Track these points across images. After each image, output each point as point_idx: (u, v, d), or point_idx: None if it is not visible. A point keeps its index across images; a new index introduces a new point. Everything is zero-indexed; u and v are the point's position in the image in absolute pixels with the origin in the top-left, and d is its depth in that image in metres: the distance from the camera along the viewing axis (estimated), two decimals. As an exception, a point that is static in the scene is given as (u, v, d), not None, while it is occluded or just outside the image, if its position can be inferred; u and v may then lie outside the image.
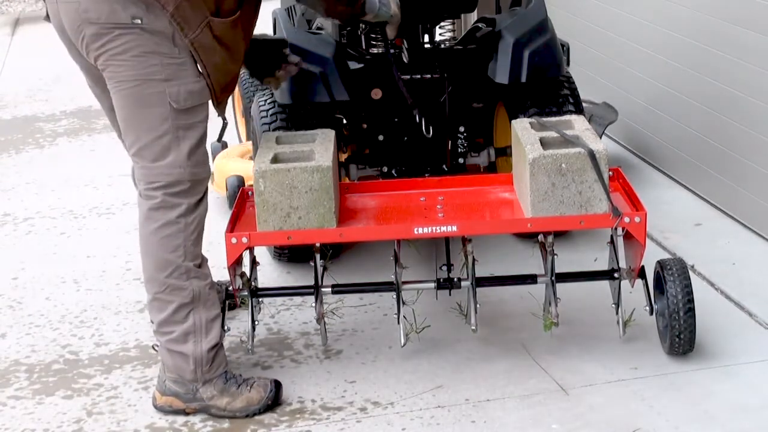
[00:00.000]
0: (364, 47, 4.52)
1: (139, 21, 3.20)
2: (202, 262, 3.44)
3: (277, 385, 3.51)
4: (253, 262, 3.77)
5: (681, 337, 3.54)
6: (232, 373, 3.51)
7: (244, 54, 3.45)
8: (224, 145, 4.94)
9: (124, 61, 3.25)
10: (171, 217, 3.34)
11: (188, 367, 3.43)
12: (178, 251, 3.36)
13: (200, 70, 3.28)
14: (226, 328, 3.63)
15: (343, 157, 4.43)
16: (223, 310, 3.65)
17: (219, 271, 4.12)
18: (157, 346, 3.53)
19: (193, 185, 3.36)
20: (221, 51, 3.30)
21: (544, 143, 3.52)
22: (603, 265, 3.80)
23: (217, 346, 3.45)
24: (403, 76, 4.20)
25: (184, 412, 3.49)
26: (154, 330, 3.48)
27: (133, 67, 3.25)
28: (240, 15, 3.34)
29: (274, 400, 3.49)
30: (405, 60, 4.22)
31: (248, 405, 3.46)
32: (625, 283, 3.66)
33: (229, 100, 4.11)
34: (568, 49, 4.52)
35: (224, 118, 3.55)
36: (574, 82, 4.41)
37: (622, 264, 3.68)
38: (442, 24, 4.64)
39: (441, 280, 3.69)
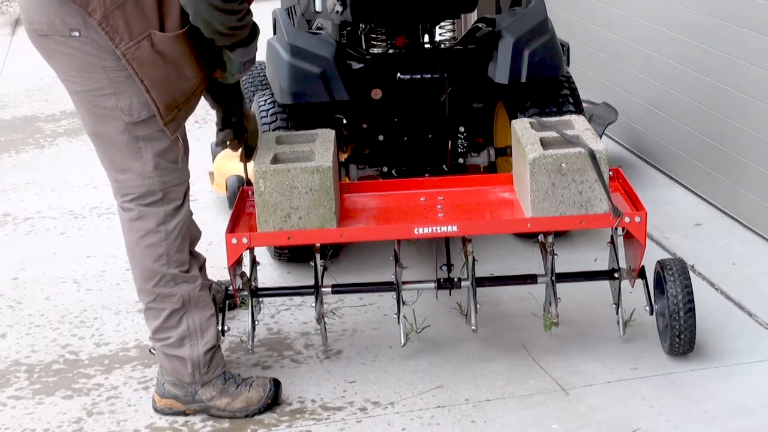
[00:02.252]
0: (364, 47, 4.52)
1: (77, 33, 3.11)
2: (189, 267, 3.41)
3: (277, 384, 3.51)
4: (253, 262, 3.77)
5: (681, 337, 3.54)
6: (231, 373, 3.51)
7: (202, 73, 3.25)
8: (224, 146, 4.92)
9: (72, 76, 3.19)
10: (151, 226, 3.32)
11: (186, 371, 3.42)
12: (162, 260, 3.34)
13: (138, 84, 3.14)
14: (226, 327, 3.63)
15: (343, 157, 4.43)
16: (223, 311, 3.65)
17: (219, 271, 4.12)
18: (155, 349, 3.52)
19: (167, 193, 3.31)
20: (165, 67, 3.14)
21: (544, 143, 3.52)
22: (603, 265, 3.80)
23: (214, 348, 3.45)
24: (403, 76, 4.21)
25: (185, 414, 3.49)
26: (150, 337, 3.48)
27: (82, 83, 3.18)
28: (189, 30, 3.16)
29: (274, 399, 3.49)
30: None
31: (248, 405, 3.46)
32: (625, 283, 3.66)
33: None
34: (568, 49, 4.52)
35: (178, 139, 3.29)
36: (574, 82, 4.41)
37: (622, 264, 3.68)
38: (442, 24, 4.64)
39: (441, 280, 3.69)
